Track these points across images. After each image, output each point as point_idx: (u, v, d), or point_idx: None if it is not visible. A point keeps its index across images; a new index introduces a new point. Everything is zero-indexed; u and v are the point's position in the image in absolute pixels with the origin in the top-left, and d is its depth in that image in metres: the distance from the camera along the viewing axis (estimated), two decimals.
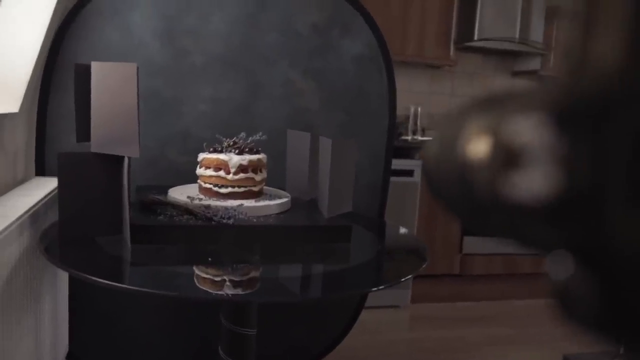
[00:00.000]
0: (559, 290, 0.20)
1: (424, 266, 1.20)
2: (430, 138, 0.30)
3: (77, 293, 1.64)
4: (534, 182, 0.19)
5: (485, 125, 0.22)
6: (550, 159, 0.18)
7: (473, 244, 3.19)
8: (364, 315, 2.06)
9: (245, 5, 1.73)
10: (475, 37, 3.29)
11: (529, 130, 0.19)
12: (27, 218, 1.13)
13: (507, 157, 0.20)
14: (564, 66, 0.19)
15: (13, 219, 1.05)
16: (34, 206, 1.19)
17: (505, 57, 3.73)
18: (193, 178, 1.43)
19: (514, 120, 0.20)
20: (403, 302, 3.02)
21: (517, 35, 3.35)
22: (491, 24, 3.31)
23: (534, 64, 3.58)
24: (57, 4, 1.47)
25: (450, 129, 0.26)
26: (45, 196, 1.31)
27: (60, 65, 1.59)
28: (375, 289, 1.23)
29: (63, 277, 1.54)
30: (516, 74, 3.76)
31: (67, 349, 1.62)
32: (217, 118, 1.72)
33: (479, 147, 0.22)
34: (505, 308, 3.15)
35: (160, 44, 1.66)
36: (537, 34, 3.40)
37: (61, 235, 1.12)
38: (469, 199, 0.23)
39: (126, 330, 1.73)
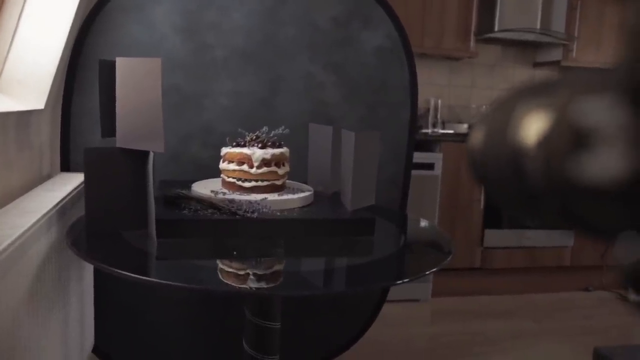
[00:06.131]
0: (629, 274, 0.19)
1: (448, 259, 1.19)
2: (475, 126, 0.29)
3: (102, 287, 1.66)
4: (607, 163, 0.18)
5: (543, 109, 0.22)
6: (625, 138, 0.18)
7: (494, 238, 3.16)
8: (385, 309, 2.05)
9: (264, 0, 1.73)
10: (496, 28, 3.25)
11: (601, 111, 0.19)
12: (54, 213, 1.14)
13: (575, 139, 0.19)
14: (631, 46, 0.19)
15: (41, 214, 1.06)
16: (60, 201, 1.20)
17: (526, 48, 3.68)
18: (215, 172, 1.44)
19: (583, 101, 0.20)
20: (424, 296, 3.01)
21: (538, 26, 3.30)
22: (512, 14, 3.27)
23: (556, 54, 3.53)
24: (80, 0, 1.48)
25: (498, 115, 0.25)
26: (71, 191, 1.32)
27: (84, 62, 1.60)
28: (400, 282, 1.23)
29: (88, 272, 1.56)
30: (537, 65, 3.71)
31: (93, 343, 1.64)
32: (239, 112, 1.73)
33: (535, 130, 0.21)
34: (527, 302, 3.12)
35: (182, 39, 1.67)
36: (558, 24, 3.35)
37: (88, 230, 1.14)
38: (520, 184, 0.23)
39: (150, 324, 1.75)
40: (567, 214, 0.21)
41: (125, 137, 1.14)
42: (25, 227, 0.95)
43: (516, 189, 0.23)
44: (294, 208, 1.29)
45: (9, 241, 0.86)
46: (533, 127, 0.21)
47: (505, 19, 3.26)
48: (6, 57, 1.37)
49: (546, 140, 0.21)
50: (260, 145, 1.32)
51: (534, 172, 0.21)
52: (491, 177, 0.25)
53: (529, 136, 0.22)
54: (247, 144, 1.33)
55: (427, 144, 3.03)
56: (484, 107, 3.58)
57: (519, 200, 0.24)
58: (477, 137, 0.27)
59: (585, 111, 0.19)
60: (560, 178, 0.20)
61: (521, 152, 0.22)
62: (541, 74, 3.76)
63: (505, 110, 0.24)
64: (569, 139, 0.20)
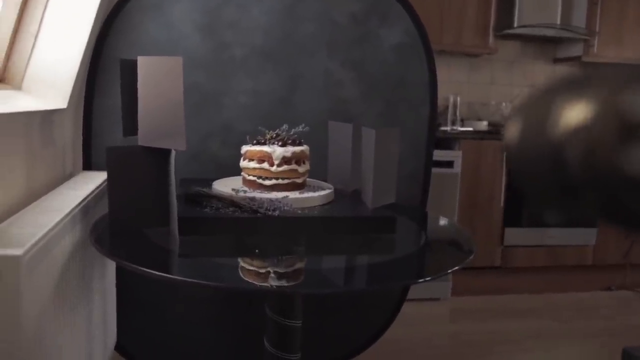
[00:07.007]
0: None
1: (470, 258, 1.18)
2: (511, 119, 0.29)
3: (125, 285, 1.67)
4: None
5: (586, 100, 0.21)
6: None
7: (514, 236, 3.13)
8: (405, 307, 2.04)
9: None
10: (515, 24, 3.21)
11: None
12: (78, 212, 1.15)
13: (625, 129, 0.19)
14: None
15: (65, 212, 1.07)
16: (84, 200, 1.22)
17: (546, 43, 3.63)
18: (235, 171, 1.44)
19: (633, 92, 0.19)
20: (444, 294, 2.99)
21: (558, 21, 3.26)
22: (531, 10, 3.23)
23: (576, 50, 3.48)
24: (101, 1, 1.49)
25: (536, 108, 0.25)
26: (94, 190, 1.33)
27: (104, 62, 1.61)
28: (421, 280, 1.22)
29: (111, 269, 1.58)
30: (558, 60, 3.67)
31: (116, 340, 1.66)
32: (258, 110, 1.73)
33: (579, 121, 0.21)
34: (548, 301, 3.08)
35: (201, 38, 1.68)
36: (579, 19, 3.30)
37: (111, 228, 1.15)
38: (561, 175, 0.22)
39: (172, 321, 1.76)
40: (610, 206, 0.20)
41: (146, 135, 1.14)
42: (50, 226, 0.96)
43: (555, 181, 0.23)
44: (314, 206, 1.29)
45: (34, 240, 0.87)
46: (576, 118, 0.21)
47: (524, 15, 3.22)
48: (30, 58, 1.39)
49: (591, 131, 0.20)
50: (280, 143, 1.32)
51: (576, 161, 0.21)
52: (529, 170, 0.25)
53: (571, 127, 0.21)
54: (267, 142, 1.33)
55: (446, 141, 3.01)
56: (503, 104, 3.54)
57: (557, 192, 0.23)
58: (514, 131, 0.26)
59: (635, 102, 0.19)
60: (606, 169, 0.19)
61: (563, 143, 0.21)
62: (561, 70, 3.71)
63: (543, 103, 0.24)
64: (618, 129, 0.19)
